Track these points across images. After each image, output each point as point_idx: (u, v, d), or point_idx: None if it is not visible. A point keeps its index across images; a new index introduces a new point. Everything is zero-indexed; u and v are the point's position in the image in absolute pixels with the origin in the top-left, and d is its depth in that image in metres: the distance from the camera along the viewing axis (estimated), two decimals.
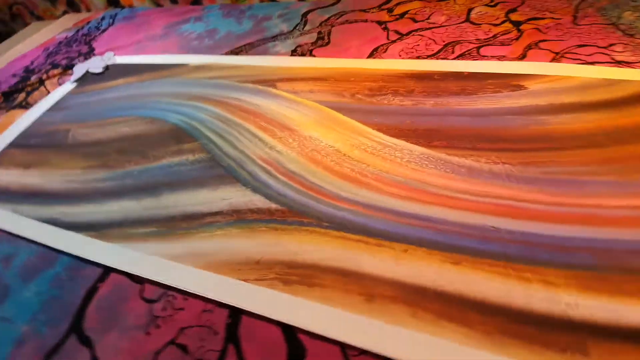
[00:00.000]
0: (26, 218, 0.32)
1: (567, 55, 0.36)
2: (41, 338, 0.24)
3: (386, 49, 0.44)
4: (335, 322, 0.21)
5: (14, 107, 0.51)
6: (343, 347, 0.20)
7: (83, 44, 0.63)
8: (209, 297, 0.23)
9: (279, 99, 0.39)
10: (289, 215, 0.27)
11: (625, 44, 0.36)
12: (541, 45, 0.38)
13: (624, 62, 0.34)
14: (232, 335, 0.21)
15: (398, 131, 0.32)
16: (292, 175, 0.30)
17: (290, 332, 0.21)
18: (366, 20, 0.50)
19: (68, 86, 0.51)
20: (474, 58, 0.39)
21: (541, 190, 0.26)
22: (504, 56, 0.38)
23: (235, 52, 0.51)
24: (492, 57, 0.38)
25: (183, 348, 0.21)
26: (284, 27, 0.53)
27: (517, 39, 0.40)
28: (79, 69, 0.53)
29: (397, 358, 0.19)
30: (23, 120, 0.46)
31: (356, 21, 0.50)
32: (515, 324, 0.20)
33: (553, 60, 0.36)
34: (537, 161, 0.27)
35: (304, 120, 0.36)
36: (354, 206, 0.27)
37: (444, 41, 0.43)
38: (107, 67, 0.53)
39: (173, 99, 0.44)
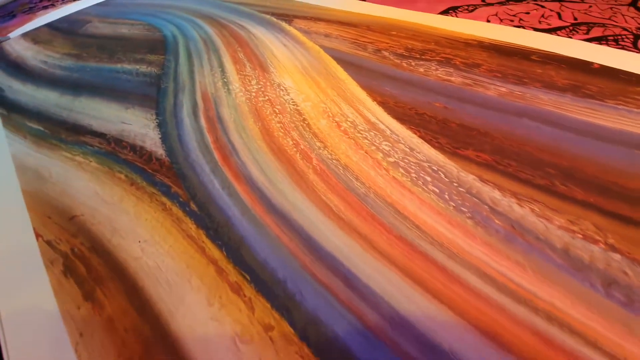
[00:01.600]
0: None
1: None
2: None
3: (471, 10, 0.28)
4: None
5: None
6: None
7: None
8: None
9: (280, 34, 0.28)
10: (164, 173, 0.17)
11: None
12: None
13: None
14: None
15: (411, 114, 0.18)
16: (217, 124, 0.20)
17: None
18: None
19: None
20: (620, 48, 0.20)
21: None
22: None
23: None
24: None
25: None
26: None
27: None
28: None
29: None
30: (71, 7, 0.48)
31: None
32: None
33: None
34: None
35: (289, 64, 0.24)
36: (255, 202, 0.15)
37: (575, 18, 0.24)
38: None
39: (183, 13, 0.37)
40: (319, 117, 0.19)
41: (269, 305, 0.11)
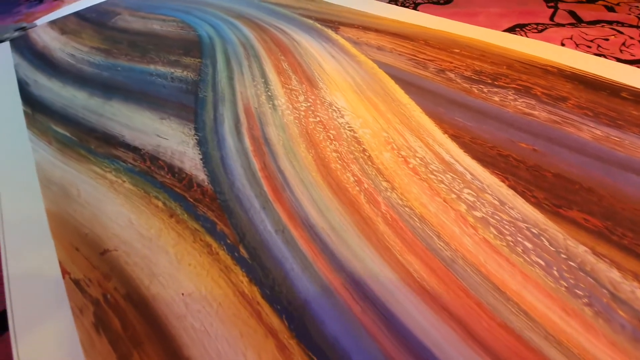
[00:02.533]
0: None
1: None
2: None
3: (541, 30, 0.25)
4: None
5: None
6: None
7: None
8: None
9: (328, 43, 0.26)
10: (207, 204, 0.15)
11: None
12: None
13: None
14: None
15: (493, 155, 0.15)
16: (263, 146, 0.18)
17: None
18: None
19: None
20: None
21: None
22: None
23: None
24: None
25: None
26: None
27: None
28: None
29: None
30: None
31: None
32: None
33: None
34: None
35: (340, 79, 0.22)
36: (316, 253, 0.13)
37: None
38: None
39: (220, 12, 0.35)
40: (381, 149, 0.16)
41: None
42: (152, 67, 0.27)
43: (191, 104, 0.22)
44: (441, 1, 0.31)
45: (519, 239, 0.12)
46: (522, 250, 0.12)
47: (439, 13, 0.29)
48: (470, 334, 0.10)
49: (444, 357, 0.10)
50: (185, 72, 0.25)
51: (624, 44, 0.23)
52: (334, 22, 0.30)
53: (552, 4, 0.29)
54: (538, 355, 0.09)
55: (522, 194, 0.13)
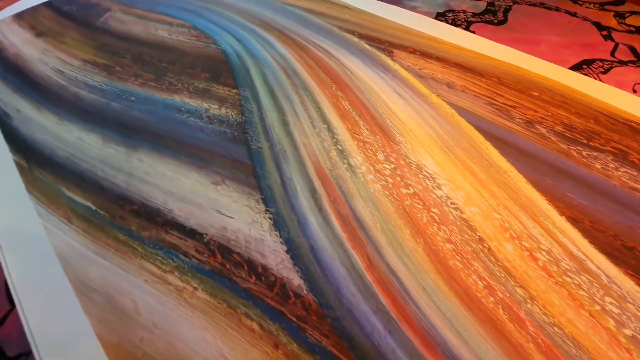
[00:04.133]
0: None
1: None
2: None
3: (607, 69, 0.24)
4: None
5: None
6: None
7: None
8: None
9: (388, 75, 0.23)
10: (316, 324, 0.12)
11: None
12: None
13: None
14: None
15: (618, 247, 0.14)
16: (360, 232, 0.15)
17: None
18: (575, 14, 0.29)
19: None
20: None
21: None
22: None
23: None
24: None
25: None
26: None
27: None
28: None
29: None
30: None
31: (558, 9, 0.30)
32: None
33: None
34: None
35: (418, 130, 0.19)
36: None
37: None
38: None
39: (239, 17, 0.30)
40: (499, 238, 0.14)
41: None
42: (177, 98, 0.22)
43: (245, 159, 0.18)
44: (495, 21, 0.28)
45: None
46: None
47: (496, 37, 0.27)
48: None
49: None
50: (223, 110, 0.21)
51: None
52: (384, 41, 0.26)
53: (605, 33, 0.27)
54: None
55: (635, 278, 0.12)
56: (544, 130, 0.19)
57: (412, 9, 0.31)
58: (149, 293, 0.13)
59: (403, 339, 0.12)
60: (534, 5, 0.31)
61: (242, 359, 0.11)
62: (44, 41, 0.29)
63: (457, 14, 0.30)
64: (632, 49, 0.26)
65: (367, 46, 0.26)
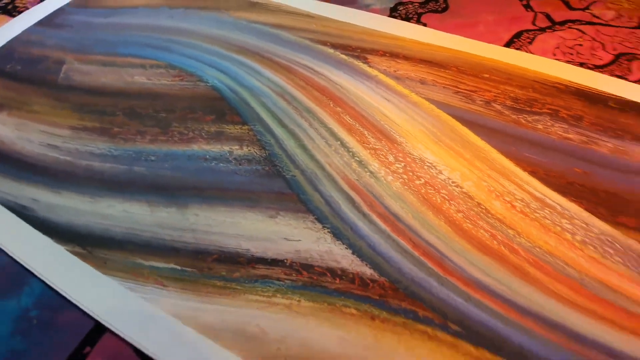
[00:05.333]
0: None
1: None
2: None
3: (532, 39, 0.30)
4: None
5: None
6: None
7: None
8: None
9: (372, 83, 0.27)
10: (393, 295, 0.17)
11: None
12: None
13: None
14: None
15: (565, 184, 0.21)
16: (397, 222, 0.20)
17: None
18: None
19: None
20: None
21: None
22: None
23: None
24: None
25: None
26: None
27: None
28: None
29: None
30: (3, 31, 0.33)
31: None
32: None
33: None
34: None
35: (412, 128, 0.24)
36: (504, 307, 0.17)
37: (615, 50, 0.29)
38: None
39: (212, 46, 0.30)
40: (490, 199, 0.20)
41: None
42: (195, 147, 0.23)
43: (287, 190, 0.21)
44: (439, 9, 0.33)
45: (606, 249, 0.18)
46: (609, 256, 0.18)
47: (444, 26, 0.31)
48: (623, 326, 0.16)
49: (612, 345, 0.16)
50: (245, 149, 0.23)
51: (592, 48, 0.30)
52: (355, 48, 0.29)
53: (525, 2, 0.33)
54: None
55: (595, 213, 0.20)
56: (499, 107, 0.25)
57: (367, 7, 0.34)
58: (265, 317, 0.17)
59: (452, 286, 0.17)
60: None
61: (356, 336, 0.16)
62: (9, 115, 0.27)
63: (407, 6, 0.33)
64: (547, 15, 0.32)
65: (343, 56, 0.29)
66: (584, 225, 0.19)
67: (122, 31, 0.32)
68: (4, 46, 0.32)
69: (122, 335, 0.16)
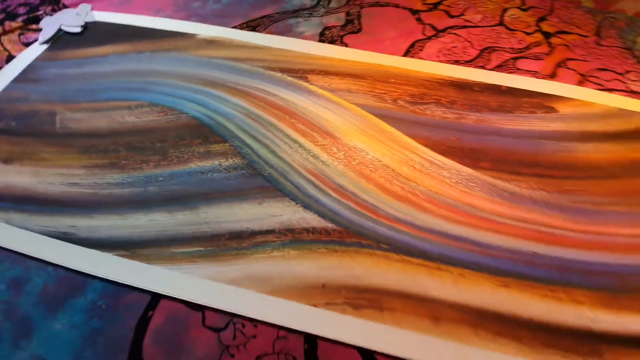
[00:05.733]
0: (31, 232, 0.27)
1: (590, 79, 0.39)
2: None
3: (422, 47, 0.42)
4: (407, 344, 0.23)
5: None
6: None
7: None
8: (283, 324, 0.23)
9: (314, 97, 0.36)
10: (346, 236, 0.27)
11: (638, 73, 0.39)
12: (569, 64, 0.40)
13: (636, 92, 0.38)
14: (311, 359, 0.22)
15: (445, 148, 0.33)
16: (344, 191, 0.30)
17: (368, 356, 0.22)
18: (397, 6, 0.46)
19: (37, 48, 0.40)
20: (510, 70, 0.39)
21: (571, 218, 0.29)
22: (537, 72, 0.39)
23: (252, 25, 0.44)
24: (527, 73, 0.39)
25: None
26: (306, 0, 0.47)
27: (548, 54, 0.41)
28: (49, 25, 0.41)
29: None
30: None
31: (388, 4, 0.46)
32: (552, 336, 0.24)
33: (579, 83, 0.38)
34: (567, 189, 0.30)
35: (346, 126, 0.34)
36: (411, 229, 0.28)
37: (480, 46, 0.42)
38: (85, 26, 0.42)
39: (184, 82, 0.37)
40: (400, 166, 0.31)
41: None
42: (193, 165, 0.31)
43: (266, 184, 0.30)
44: (355, 30, 0.43)
45: (470, 184, 0.30)
46: (470, 187, 0.30)
47: (360, 43, 0.42)
48: (445, 217, 0.28)
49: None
50: (230, 160, 0.31)
51: (465, 48, 0.42)
52: (298, 70, 0.38)
53: (417, 17, 0.45)
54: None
55: (464, 164, 0.31)
56: (401, 102, 0.36)
57: (301, 34, 0.43)
58: (268, 265, 0.26)
59: (380, 223, 0.28)
60: (373, 5, 0.46)
61: (324, 263, 0.26)
62: (22, 165, 0.32)
63: (332, 31, 0.43)
64: (432, 26, 0.44)
65: (289, 78, 0.38)
66: (456, 172, 0.31)
67: (99, 79, 0.38)
68: None
69: (175, 296, 0.24)
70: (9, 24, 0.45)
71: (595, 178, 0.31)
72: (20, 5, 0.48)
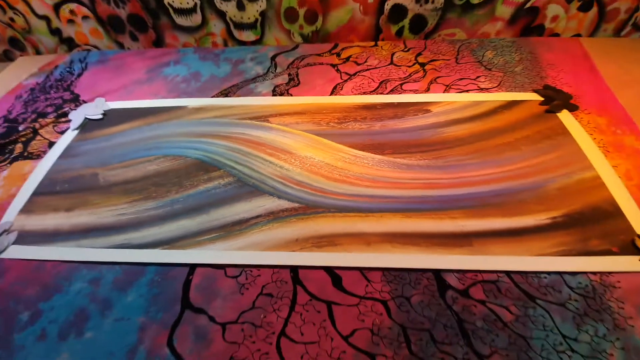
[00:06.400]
0: (97, 249, 0.40)
1: (453, 87, 0.60)
2: (160, 321, 0.35)
3: (342, 87, 0.62)
4: (352, 259, 0.38)
5: (15, 159, 0.54)
6: (361, 270, 0.37)
7: (62, 90, 0.66)
8: (275, 264, 0.37)
9: (274, 131, 0.54)
10: (307, 209, 0.43)
11: (485, 76, 0.61)
12: (438, 80, 0.61)
13: (485, 88, 0.58)
14: (296, 281, 0.36)
15: (362, 146, 0.50)
16: (302, 184, 0.46)
17: (330, 271, 0.37)
18: (322, 64, 0.67)
19: (69, 134, 0.56)
20: (399, 92, 0.60)
21: (444, 172, 0.47)
22: (417, 90, 0.60)
23: (224, 93, 0.63)
24: (410, 91, 0.59)
25: (269, 295, 0.35)
26: (259, 70, 0.67)
27: (423, 76, 0.62)
28: (77, 117, 0.58)
29: (385, 266, 0.37)
30: (38, 169, 0.51)
31: (315, 64, 0.68)
32: (438, 239, 0.39)
33: (445, 91, 0.59)
34: (441, 156, 0.49)
35: (298, 145, 0.51)
36: (346, 197, 0.44)
37: (379, 79, 0.63)
38: (104, 113, 0.59)
39: (184, 138, 0.54)
40: (335, 162, 0.48)
41: None
42: (201, 188, 0.46)
43: (252, 190, 0.46)
44: (295, 84, 0.63)
45: (382, 166, 0.48)
46: (381, 168, 0.47)
47: (300, 92, 0.61)
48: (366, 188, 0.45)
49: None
50: (226, 179, 0.47)
51: (369, 83, 0.63)
52: (260, 116, 0.57)
53: (336, 69, 0.66)
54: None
55: (382, 154, 0.49)
56: (332, 124, 0.54)
57: (259, 93, 0.62)
58: (262, 235, 0.41)
59: (326, 198, 0.44)
60: (306, 66, 0.67)
61: (298, 229, 0.41)
62: (79, 209, 0.45)
63: (280, 87, 0.63)
64: (347, 73, 0.65)
65: (257, 122, 0.56)
66: (371, 159, 0.49)
67: (124, 146, 0.54)
68: (45, 177, 0.50)
69: (205, 263, 0.38)
70: (43, 121, 0.61)
71: (459, 146, 0.50)
72: (47, 106, 0.65)
